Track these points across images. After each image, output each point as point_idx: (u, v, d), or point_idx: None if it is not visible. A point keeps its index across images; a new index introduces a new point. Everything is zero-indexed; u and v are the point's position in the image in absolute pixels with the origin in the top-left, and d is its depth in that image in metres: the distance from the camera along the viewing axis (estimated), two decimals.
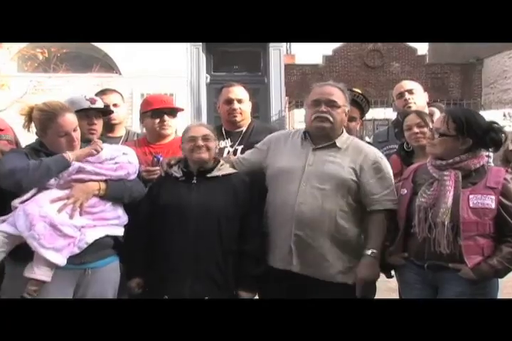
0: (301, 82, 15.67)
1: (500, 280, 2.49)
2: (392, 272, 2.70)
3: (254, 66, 13.66)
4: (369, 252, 2.51)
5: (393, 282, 2.81)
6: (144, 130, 3.29)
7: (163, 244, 2.56)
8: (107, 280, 2.51)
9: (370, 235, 2.56)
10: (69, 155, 2.42)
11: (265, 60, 13.42)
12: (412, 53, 17.01)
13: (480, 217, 2.35)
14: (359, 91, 3.20)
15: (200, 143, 2.60)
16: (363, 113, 3.22)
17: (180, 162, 2.71)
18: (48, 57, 12.09)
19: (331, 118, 2.59)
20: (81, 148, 2.52)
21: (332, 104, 2.60)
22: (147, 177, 2.81)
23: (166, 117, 3.06)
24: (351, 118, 3.00)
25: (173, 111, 3.13)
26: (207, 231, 2.52)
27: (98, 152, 2.51)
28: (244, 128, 3.23)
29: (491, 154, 2.77)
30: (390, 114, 10.06)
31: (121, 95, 3.53)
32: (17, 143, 2.87)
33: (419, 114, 3.08)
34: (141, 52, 11.63)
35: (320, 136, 2.64)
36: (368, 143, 3.20)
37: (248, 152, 2.90)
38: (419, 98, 3.52)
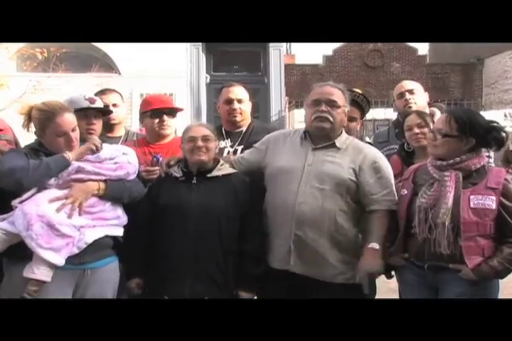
0: (301, 82, 15.67)
1: (500, 281, 2.48)
2: (392, 273, 2.70)
3: (254, 66, 13.67)
4: (371, 245, 2.49)
5: (393, 283, 2.80)
6: (144, 130, 3.28)
7: (162, 244, 2.55)
8: (106, 280, 2.50)
9: (371, 231, 2.55)
10: (69, 154, 2.42)
11: (265, 59, 13.44)
12: (412, 53, 17.01)
13: (480, 217, 2.34)
14: (359, 91, 3.19)
15: (200, 143, 2.60)
16: (363, 113, 3.21)
17: (180, 162, 2.71)
18: (47, 57, 12.09)
19: (331, 118, 2.59)
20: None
21: (332, 104, 2.60)
22: (147, 177, 2.81)
23: (165, 117, 3.06)
24: (352, 119, 3.00)
25: (172, 111, 3.12)
26: (207, 231, 2.52)
27: (97, 147, 2.50)
28: (244, 129, 3.23)
29: (492, 154, 2.76)
30: (390, 114, 10.07)
31: (120, 95, 3.52)
32: (16, 143, 2.87)
33: (419, 114, 3.07)
34: (140, 52, 11.64)
35: (320, 136, 2.64)
36: (369, 143, 3.19)
37: (247, 152, 2.90)
38: (419, 98, 3.52)
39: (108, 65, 13.33)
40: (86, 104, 2.84)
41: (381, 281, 2.63)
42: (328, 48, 16.87)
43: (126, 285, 2.56)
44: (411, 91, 3.51)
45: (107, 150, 2.57)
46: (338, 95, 2.64)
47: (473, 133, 2.42)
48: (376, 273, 2.53)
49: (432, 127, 2.76)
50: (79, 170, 2.46)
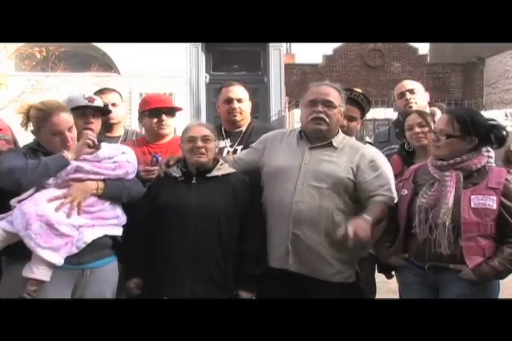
0: (301, 81, 15.64)
1: (501, 281, 2.48)
2: (392, 273, 2.70)
3: (254, 65, 13.65)
4: (363, 215, 2.42)
5: (393, 283, 2.80)
6: (143, 130, 3.28)
7: (162, 244, 2.55)
8: (105, 280, 2.50)
9: (367, 208, 2.49)
10: (67, 154, 2.41)
11: (265, 59, 13.42)
12: (413, 53, 17.00)
13: (481, 217, 2.34)
14: (360, 90, 3.18)
15: (200, 144, 2.59)
16: (363, 113, 3.20)
17: (180, 162, 2.70)
18: (46, 56, 12.06)
19: (327, 119, 2.59)
20: None
21: (328, 104, 2.60)
22: (146, 176, 2.80)
23: (164, 117, 3.05)
24: (352, 118, 3.00)
25: (171, 111, 3.12)
26: (206, 231, 2.52)
27: (93, 142, 2.48)
28: (243, 128, 3.22)
29: (493, 154, 2.76)
30: (390, 113, 10.03)
31: (119, 94, 3.52)
32: (15, 143, 2.86)
33: (420, 113, 3.07)
34: (140, 51, 11.61)
35: (316, 136, 2.64)
36: (369, 143, 3.19)
37: (244, 152, 2.90)
38: (420, 98, 3.52)
39: (107, 65, 13.31)
40: (85, 102, 2.83)
41: (381, 281, 2.63)
42: (329, 48, 16.87)
43: (125, 285, 2.56)
44: (411, 91, 3.51)
45: (106, 149, 2.56)
46: (335, 95, 2.63)
47: (475, 132, 2.41)
48: (361, 238, 2.35)
49: (432, 127, 2.76)
50: (78, 170, 2.45)
